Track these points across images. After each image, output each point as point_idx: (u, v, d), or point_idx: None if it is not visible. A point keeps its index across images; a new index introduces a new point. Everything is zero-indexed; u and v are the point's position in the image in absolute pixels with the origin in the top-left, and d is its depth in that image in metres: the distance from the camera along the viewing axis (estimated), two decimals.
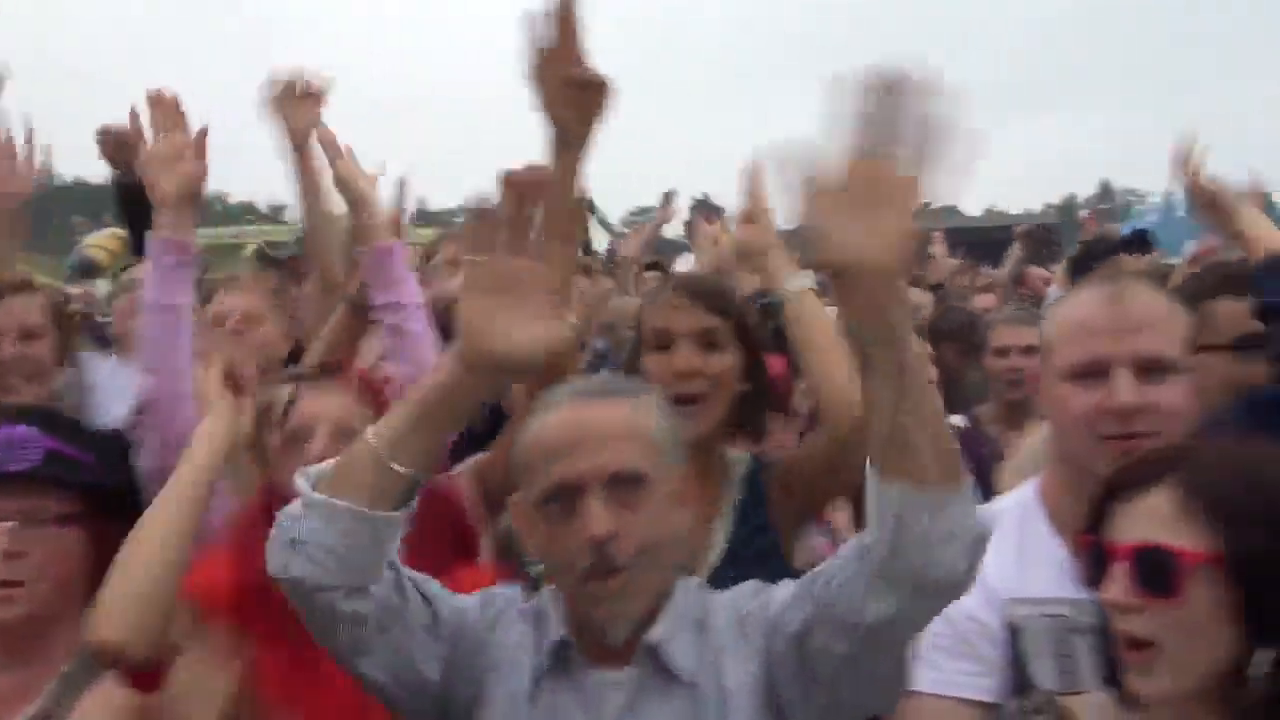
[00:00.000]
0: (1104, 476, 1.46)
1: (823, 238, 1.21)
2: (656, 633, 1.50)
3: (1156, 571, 1.31)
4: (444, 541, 1.93)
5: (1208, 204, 2.76)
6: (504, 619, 1.58)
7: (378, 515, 1.37)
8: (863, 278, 1.22)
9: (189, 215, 2.33)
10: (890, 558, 1.31)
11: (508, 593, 1.64)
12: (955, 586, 1.36)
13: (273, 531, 1.43)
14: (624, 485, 1.48)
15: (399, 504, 1.39)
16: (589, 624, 1.52)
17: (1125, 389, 1.67)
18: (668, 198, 7.02)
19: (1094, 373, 1.70)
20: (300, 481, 1.42)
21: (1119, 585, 1.34)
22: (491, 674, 1.54)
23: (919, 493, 1.28)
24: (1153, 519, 1.34)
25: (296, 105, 2.95)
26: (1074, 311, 1.79)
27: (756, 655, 1.50)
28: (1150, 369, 1.68)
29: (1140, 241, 4.37)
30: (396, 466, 1.36)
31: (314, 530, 1.37)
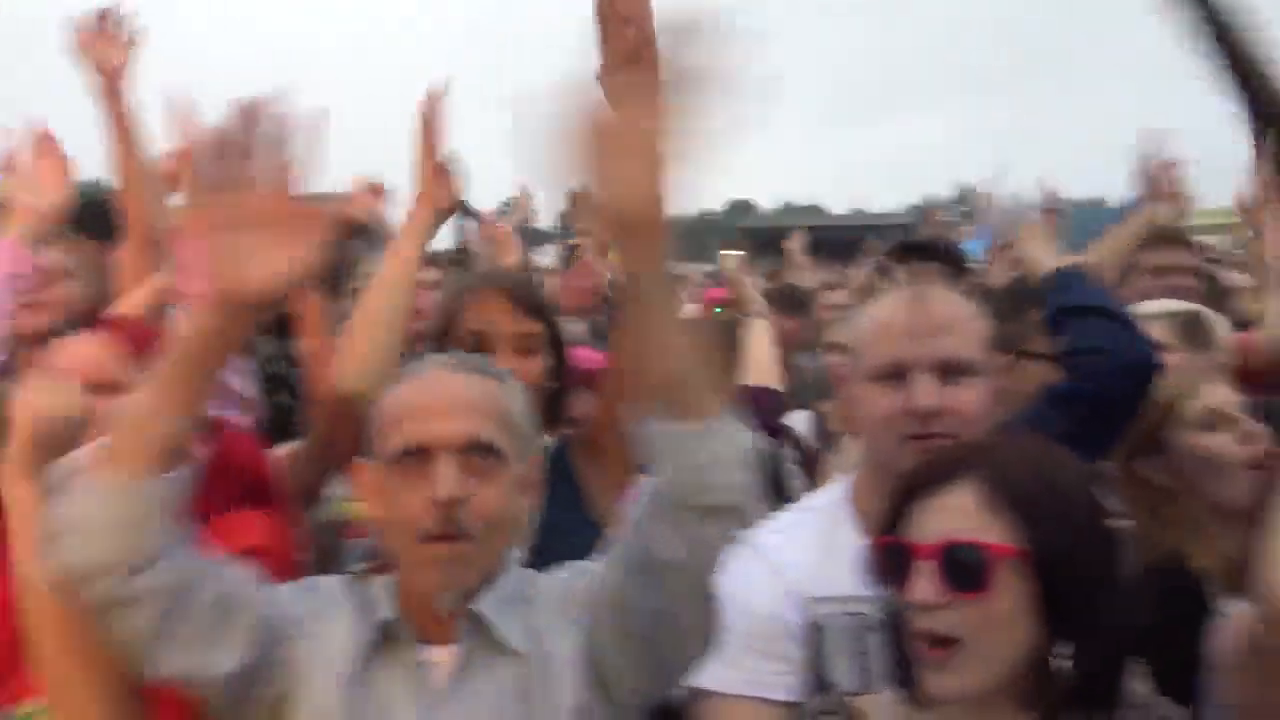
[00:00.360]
0: (901, 475, 1.48)
1: (594, 186, 1.28)
2: (483, 604, 1.50)
3: (965, 567, 1.33)
4: (231, 486, 1.85)
5: None
6: (328, 608, 1.54)
7: (146, 482, 1.33)
8: (634, 226, 1.30)
9: (45, 234, 2.56)
10: (674, 492, 1.38)
11: (332, 582, 1.61)
12: (737, 508, 1.41)
13: (40, 534, 1.37)
14: (477, 454, 1.49)
15: (171, 463, 1.36)
16: (419, 595, 1.50)
17: (924, 391, 1.70)
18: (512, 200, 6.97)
19: (895, 374, 1.73)
20: (59, 468, 1.39)
21: (926, 583, 1.34)
22: (307, 663, 1.49)
23: (690, 425, 1.36)
24: (957, 515, 1.36)
25: (106, 44, 2.84)
26: (877, 314, 1.82)
27: (580, 629, 1.52)
28: (950, 371, 1.72)
29: (926, 249, 4.26)
30: (162, 419, 1.34)
31: (81, 514, 1.33)
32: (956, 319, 1.77)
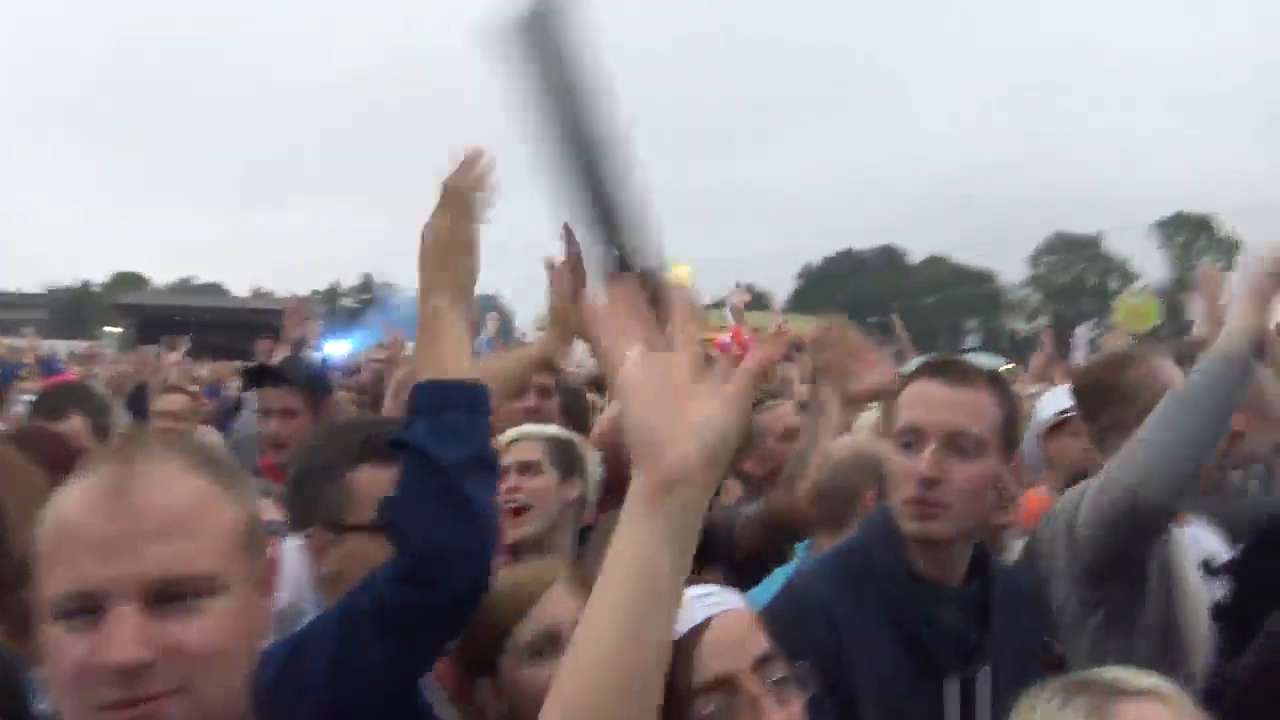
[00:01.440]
0: None
1: None
2: None
3: None
4: None
5: None
6: None
7: None
8: None
9: None
10: None
11: None
12: None
13: None
14: None
15: None
16: None
17: (120, 637, 1.11)
18: None
19: (83, 610, 1.13)
20: None
21: None
22: None
23: None
24: None
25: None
26: (64, 512, 1.18)
27: None
28: (165, 597, 1.15)
29: (264, 374, 3.63)
30: None
31: None
32: (179, 513, 1.18)
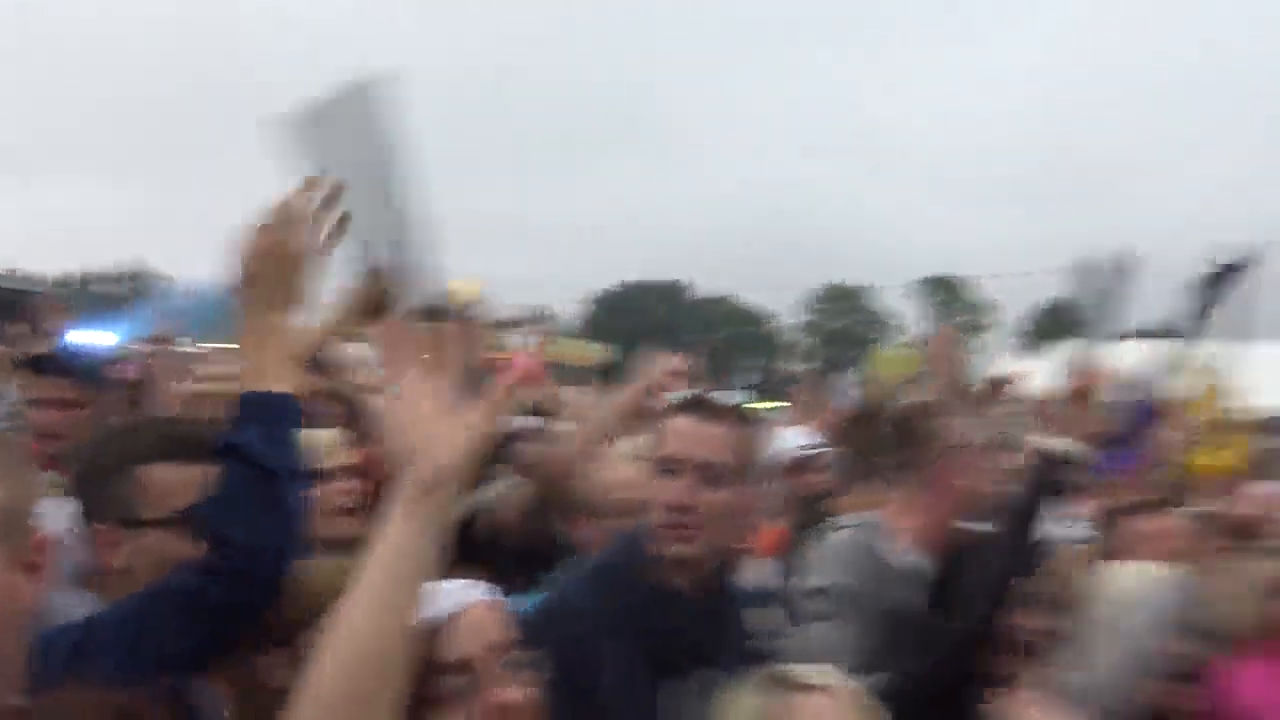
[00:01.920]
0: None
1: None
2: None
3: None
4: None
5: None
6: None
7: None
8: None
9: None
10: None
11: None
12: None
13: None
14: None
15: None
16: None
17: None
18: None
19: None
20: None
21: None
22: None
23: None
24: None
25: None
26: None
27: None
28: None
29: (40, 363, 3.43)
30: None
31: None
32: None
